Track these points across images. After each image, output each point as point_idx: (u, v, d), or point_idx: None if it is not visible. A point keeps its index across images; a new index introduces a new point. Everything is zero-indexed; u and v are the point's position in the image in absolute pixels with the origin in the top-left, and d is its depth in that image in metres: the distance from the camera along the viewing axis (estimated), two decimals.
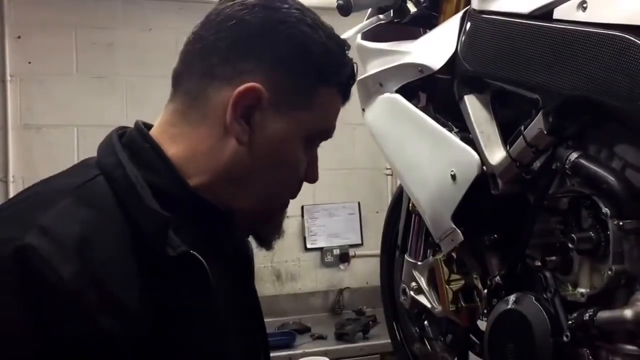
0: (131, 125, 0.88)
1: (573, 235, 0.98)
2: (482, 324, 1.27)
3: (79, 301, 0.69)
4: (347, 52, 0.90)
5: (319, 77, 0.86)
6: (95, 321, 0.70)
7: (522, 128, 1.04)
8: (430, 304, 1.41)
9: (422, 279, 1.43)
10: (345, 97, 0.92)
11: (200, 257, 0.78)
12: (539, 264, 1.09)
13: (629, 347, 0.94)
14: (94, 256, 0.72)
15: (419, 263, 1.46)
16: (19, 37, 2.85)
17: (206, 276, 0.78)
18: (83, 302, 0.69)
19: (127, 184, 0.77)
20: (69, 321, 0.69)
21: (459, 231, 1.20)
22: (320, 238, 3.31)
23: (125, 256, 0.75)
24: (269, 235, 0.94)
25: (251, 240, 0.97)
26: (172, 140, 0.84)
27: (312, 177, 0.93)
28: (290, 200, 0.95)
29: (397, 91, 1.36)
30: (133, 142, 0.84)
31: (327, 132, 0.91)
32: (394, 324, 1.84)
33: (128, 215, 0.76)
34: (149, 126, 0.88)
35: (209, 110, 0.83)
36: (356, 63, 0.93)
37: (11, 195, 2.76)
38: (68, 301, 0.69)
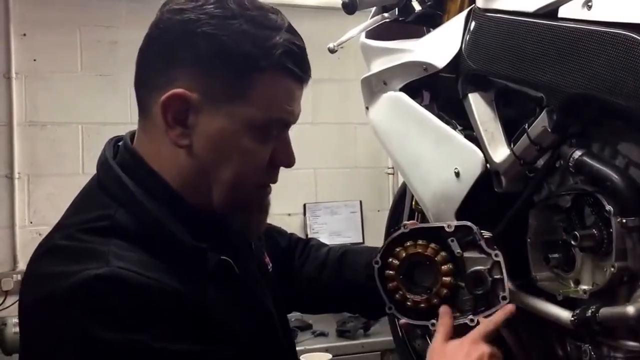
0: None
1: (576, 232, 0.99)
2: None
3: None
4: (278, 28, 0.85)
5: (247, 67, 0.83)
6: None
7: (526, 126, 1.04)
8: None
9: None
10: (293, 74, 0.86)
11: (230, 260, 0.88)
12: None
13: (631, 343, 0.95)
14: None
15: None
16: (24, 34, 2.85)
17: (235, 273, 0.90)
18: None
19: (158, 227, 0.84)
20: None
21: None
22: (322, 236, 3.30)
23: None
24: (249, 223, 0.95)
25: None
26: (148, 157, 0.88)
27: (285, 162, 0.91)
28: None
29: (401, 89, 1.36)
30: (131, 169, 0.88)
31: (279, 119, 0.87)
32: (396, 320, 1.84)
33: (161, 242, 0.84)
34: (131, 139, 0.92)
35: (155, 121, 0.86)
36: (293, 35, 0.86)
37: (17, 191, 2.77)
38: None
